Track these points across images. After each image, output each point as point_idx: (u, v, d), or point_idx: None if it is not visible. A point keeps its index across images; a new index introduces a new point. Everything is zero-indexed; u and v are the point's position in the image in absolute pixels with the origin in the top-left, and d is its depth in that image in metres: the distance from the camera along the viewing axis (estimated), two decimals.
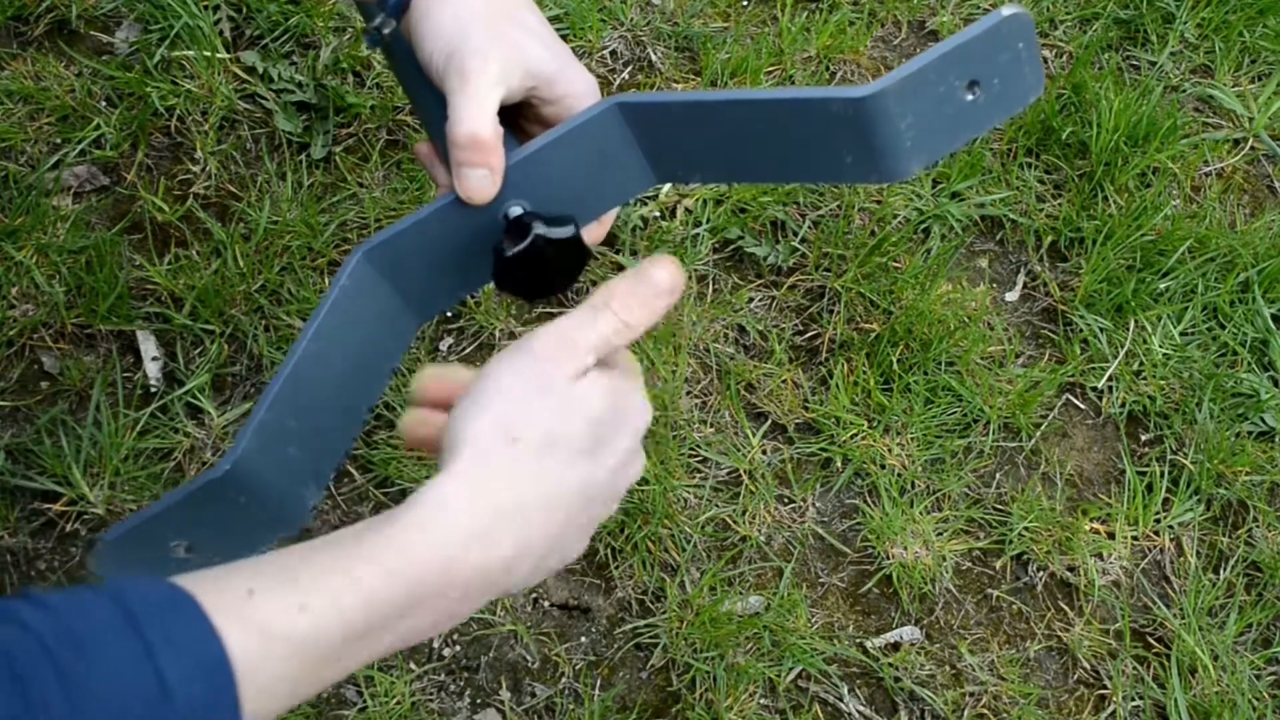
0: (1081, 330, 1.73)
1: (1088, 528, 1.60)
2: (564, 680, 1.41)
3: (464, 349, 1.56)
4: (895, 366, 1.62)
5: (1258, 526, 1.64)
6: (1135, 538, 1.61)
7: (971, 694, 1.48)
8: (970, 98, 0.65)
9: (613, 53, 1.81)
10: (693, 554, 1.49)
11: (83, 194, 1.57)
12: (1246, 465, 1.65)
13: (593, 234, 0.79)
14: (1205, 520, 1.64)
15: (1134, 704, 1.51)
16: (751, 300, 1.66)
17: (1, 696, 0.50)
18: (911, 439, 1.59)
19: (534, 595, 1.45)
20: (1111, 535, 1.60)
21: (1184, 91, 1.98)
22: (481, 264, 0.74)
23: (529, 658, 1.42)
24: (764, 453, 1.57)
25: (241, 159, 1.62)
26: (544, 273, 0.72)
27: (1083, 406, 1.70)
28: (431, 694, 1.38)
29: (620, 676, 1.43)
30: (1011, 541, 1.57)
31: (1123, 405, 1.69)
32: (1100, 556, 1.59)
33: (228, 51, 1.68)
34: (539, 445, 0.65)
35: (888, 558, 1.53)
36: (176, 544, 0.71)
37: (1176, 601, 1.58)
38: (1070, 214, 1.79)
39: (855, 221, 1.73)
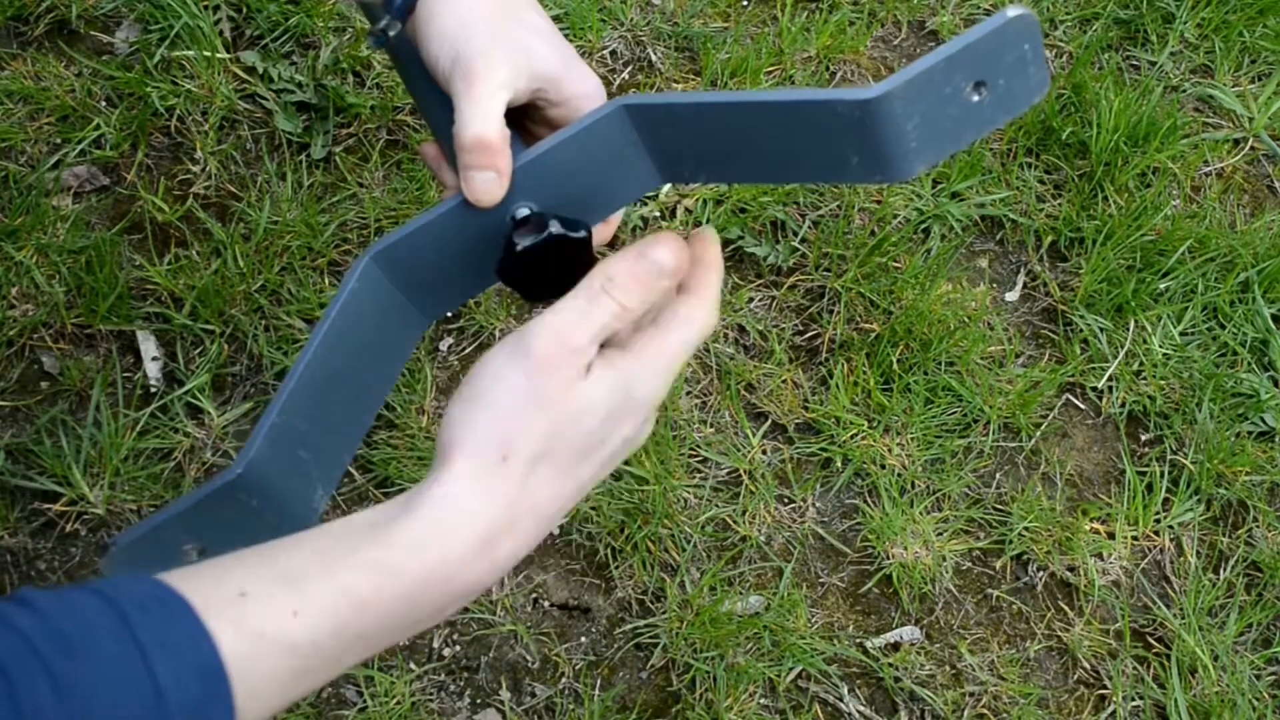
0: (1081, 330, 1.73)
1: (1088, 528, 1.60)
2: (564, 680, 1.41)
3: (464, 349, 1.56)
4: (895, 366, 1.62)
5: (1258, 526, 1.64)
6: (1135, 538, 1.61)
7: (971, 694, 1.48)
8: (976, 98, 0.65)
9: (613, 53, 1.81)
10: (693, 554, 1.49)
11: (83, 194, 1.57)
12: (1246, 465, 1.65)
13: (600, 235, 0.78)
14: (1205, 520, 1.64)
15: (1134, 704, 1.51)
16: (751, 300, 1.66)
17: None
18: (911, 439, 1.59)
19: (534, 595, 1.45)
20: (1111, 535, 1.60)
21: (1184, 91, 1.98)
22: (488, 266, 0.74)
23: (529, 658, 1.42)
24: (764, 453, 1.57)
25: (241, 159, 1.62)
26: (550, 272, 0.72)
27: (1083, 406, 1.70)
28: (431, 694, 1.38)
29: (620, 676, 1.43)
30: (1011, 541, 1.57)
31: (1123, 405, 1.69)
32: (1100, 556, 1.59)
33: (228, 51, 1.68)
34: (531, 461, 0.64)
35: (888, 558, 1.53)
36: (189, 547, 0.71)
37: (1176, 601, 1.58)
38: (1070, 214, 1.80)
39: (855, 221, 1.73)
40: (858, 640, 1.49)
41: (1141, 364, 1.72)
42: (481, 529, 0.63)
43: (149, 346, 1.49)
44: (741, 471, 1.55)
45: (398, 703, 1.36)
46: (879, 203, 1.74)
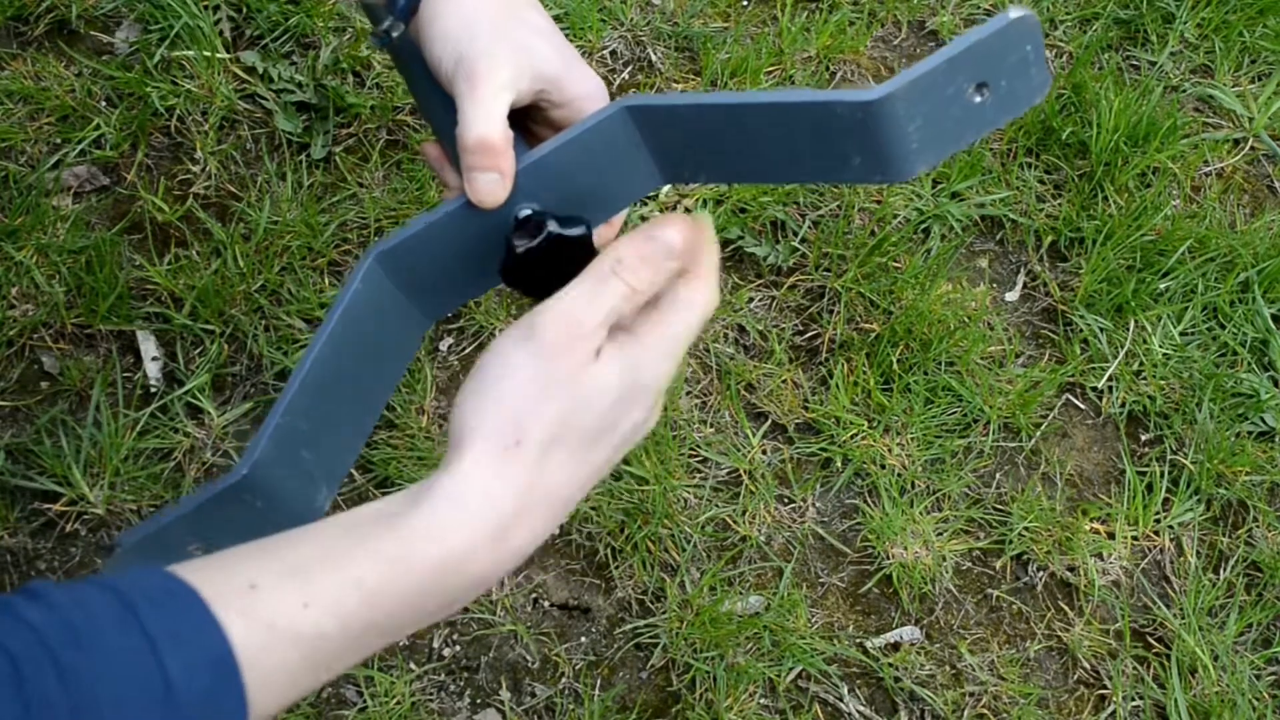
0: (1081, 330, 1.73)
1: (1088, 528, 1.60)
2: (564, 680, 1.41)
3: (464, 349, 1.56)
4: (895, 366, 1.62)
5: (1258, 526, 1.64)
6: (1135, 538, 1.61)
7: (971, 694, 1.49)
8: (978, 99, 0.65)
9: (613, 53, 1.81)
10: (693, 554, 1.49)
11: (83, 194, 1.57)
12: (1246, 465, 1.65)
13: (603, 236, 0.78)
14: (1205, 520, 1.64)
15: (1134, 704, 1.51)
16: (751, 300, 1.66)
17: (3, 694, 0.50)
18: (911, 439, 1.59)
19: (534, 595, 1.45)
20: (1111, 535, 1.60)
21: (1184, 91, 1.98)
22: (491, 266, 0.74)
23: (529, 658, 1.42)
24: (764, 453, 1.57)
25: (241, 159, 1.62)
26: (552, 271, 0.72)
27: (1083, 406, 1.70)
28: (431, 694, 1.38)
29: (620, 676, 1.43)
30: (1011, 541, 1.57)
31: (1123, 405, 1.69)
32: (1100, 556, 1.59)
33: (228, 51, 1.68)
34: (544, 446, 0.64)
35: (888, 558, 1.53)
36: (193, 547, 0.71)
37: (1176, 601, 1.58)
38: (1070, 214, 1.80)
39: (855, 221, 1.73)
40: (858, 640, 1.49)
41: (1141, 364, 1.72)
42: (494, 516, 0.62)
43: (149, 346, 1.48)
44: (741, 471, 1.55)
45: (398, 703, 1.36)
46: (879, 203, 1.75)
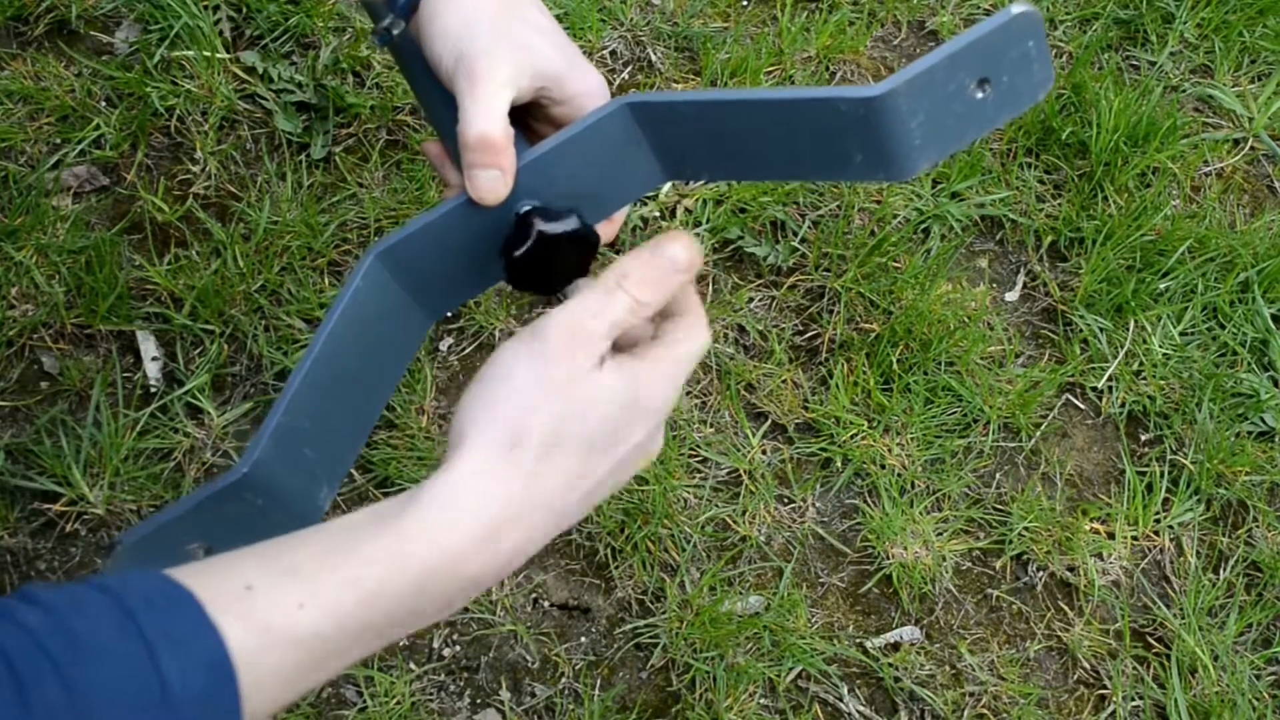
0: (1081, 330, 1.73)
1: (1088, 528, 1.60)
2: (564, 680, 1.41)
3: (464, 349, 1.56)
4: (895, 366, 1.62)
5: (1258, 526, 1.64)
6: (1135, 538, 1.61)
7: (971, 694, 1.48)
8: (980, 95, 0.65)
9: (613, 53, 1.81)
10: (693, 554, 1.49)
11: (83, 194, 1.57)
12: (1246, 465, 1.65)
13: (604, 233, 0.78)
14: (1205, 520, 1.64)
15: (1134, 704, 1.51)
16: (751, 300, 1.66)
17: (3, 698, 0.50)
18: (911, 439, 1.59)
19: (534, 595, 1.45)
20: (1111, 535, 1.60)
21: (1184, 91, 1.98)
22: (493, 263, 0.74)
23: (529, 658, 1.42)
24: (764, 453, 1.57)
25: (241, 159, 1.62)
26: (554, 267, 0.72)
27: (1083, 406, 1.70)
28: (431, 694, 1.38)
29: (620, 676, 1.43)
30: (1011, 541, 1.57)
31: (1123, 405, 1.69)
32: (1100, 556, 1.59)
33: (228, 51, 1.68)
34: (542, 450, 0.64)
35: (888, 558, 1.53)
36: (194, 546, 0.71)
37: (1176, 601, 1.58)
38: (1070, 214, 1.80)
39: (855, 221, 1.73)
40: (858, 640, 1.49)
41: (1141, 364, 1.72)
42: (487, 517, 0.62)
43: (149, 346, 1.48)
44: (741, 471, 1.55)
45: (398, 703, 1.36)
46: (879, 203, 1.75)
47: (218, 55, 1.66)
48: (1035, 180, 1.83)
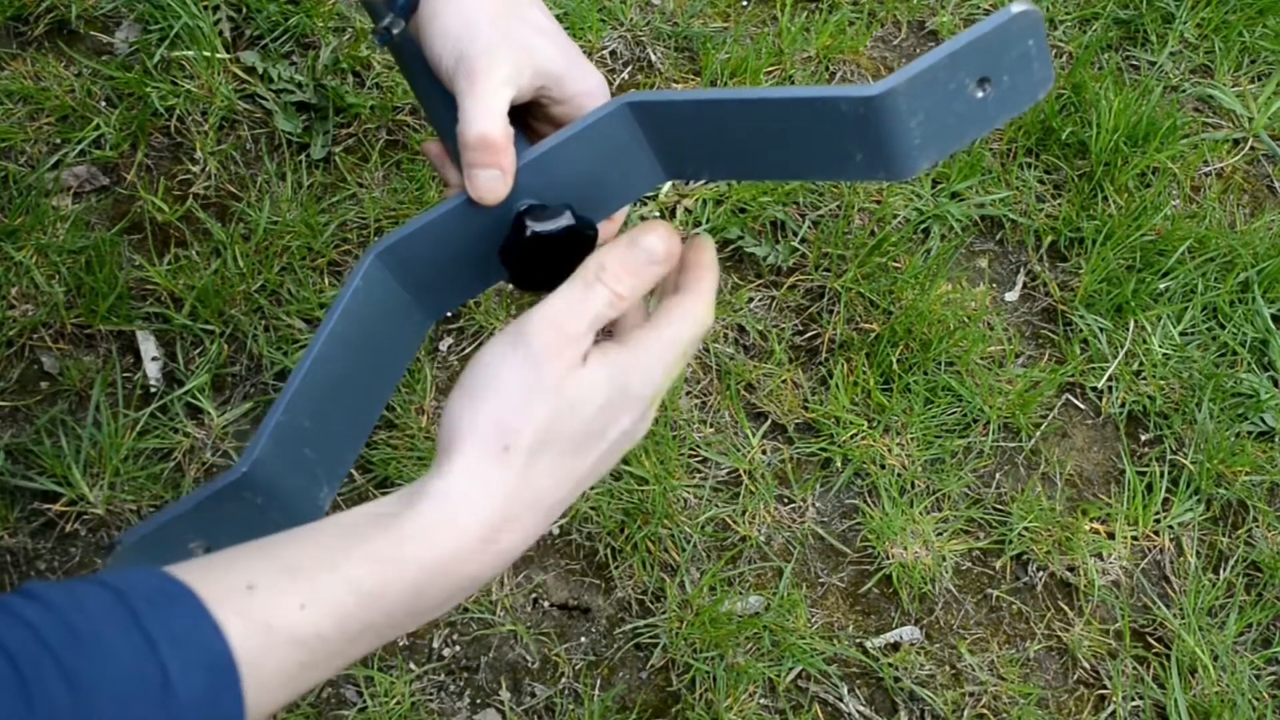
0: (1081, 330, 1.73)
1: (1088, 528, 1.60)
2: (564, 680, 1.41)
3: (464, 349, 1.56)
4: (895, 366, 1.62)
5: (1258, 526, 1.64)
6: (1135, 538, 1.61)
7: (971, 694, 1.48)
8: (980, 95, 0.65)
9: (613, 53, 1.81)
10: (693, 554, 1.49)
11: (83, 194, 1.57)
12: (1246, 465, 1.65)
13: (603, 232, 0.78)
14: (1205, 520, 1.64)
15: (1134, 704, 1.51)
16: (751, 300, 1.66)
17: (6, 696, 0.50)
18: (911, 439, 1.59)
19: (534, 595, 1.45)
20: (1111, 535, 1.60)
21: (1184, 91, 1.98)
22: (493, 263, 0.74)
23: (529, 658, 1.42)
24: (764, 453, 1.57)
25: (241, 159, 1.62)
26: (551, 265, 0.72)
27: (1083, 406, 1.70)
28: (431, 694, 1.38)
29: (620, 676, 1.43)
30: (1011, 541, 1.57)
31: (1123, 405, 1.69)
32: (1100, 556, 1.59)
33: (228, 51, 1.68)
34: (532, 450, 0.64)
35: (888, 558, 1.53)
36: (195, 545, 0.71)
37: (1176, 601, 1.58)
38: (1070, 214, 1.80)
39: (855, 221, 1.73)
40: (858, 640, 1.49)
41: (1141, 364, 1.72)
42: (484, 519, 0.63)
43: (149, 346, 1.48)
44: (741, 471, 1.55)
45: (397, 703, 1.36)
46: (879, 203, 1.75)
47: (218, 55, 1.66)
48: (1035, 180, 1.83)
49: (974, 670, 1.50)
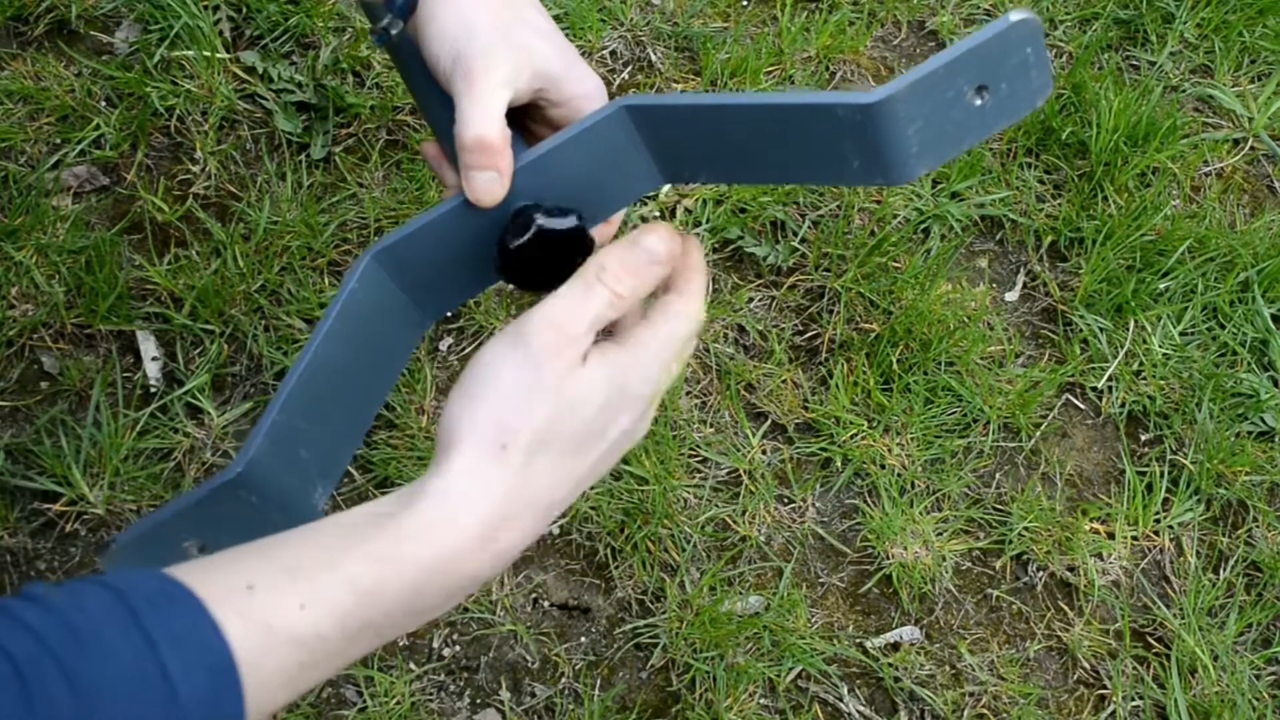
0: (1081, 330, 1.73)
1: (1088, 528, 1.60)
2: (564, 680, 1.41)
3: (464, 349, 1.56)
4: (895, 366, 1.62)
5: (1258, 526, 1.64)
6: (1135, 538, 1.61)
7: (971, 694, 1.48)
8: (978, 102, 0.65)
9: (612, 53, 1.81)
10: (693, 554, 1.49)
11: (83, 194, 1.57)
12: (1246, 465, 1.65)
13: (601, 234, 0.78)
14: (1205, 520, 1.64)
15: (1134, 704, 1.51)
16: (751, 300, 1.66)
17: (6, 698, 0.50)
18: (911, 439, 1.59)
19: (534, 595, 1.45)
20: (1111, 535, 1.60)
21: (1184, 91, 1.98)
22: (489, 265, 0.74)
23: (529, 658, 1.42)
24: (764, 453, 1.57)
25: (241, 159, 1.62)
26: (548, 264, 0.72)
27: (1083, 406, 1.70)
28: (431, 694, 1.38)
29: (620, 676, 1.43)
30: (1011, 541, 1.57)
31: (1123, 405, 1.69)
32: (1100, 556, 1.59)
33: (228, 51, 1.68)
34: (531, 449, 0.65)
35: (888, 558, 1.53)
36: (189, 544, 0.71)
37: (1176, 601, 1.58)
38: (1070, 214, 1.80)
39: (855, 221, 1.73)
40: (858, 640, 1.49)
41: (1141, 364, 1.72)
42: (483, 518, 0.63)
43: (149, 346, 1.48)
44: (741, 471, 1.55)
45: (397, 703, 1.36)
46: (879, 203, 1.75)
47: (218, 55, 1.66)
48: (1035, 180, 1.83)
49: (974, 670, 1.50)
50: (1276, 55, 2.04)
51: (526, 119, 0.80)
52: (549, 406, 0.65)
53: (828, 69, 1.87)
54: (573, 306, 0.67)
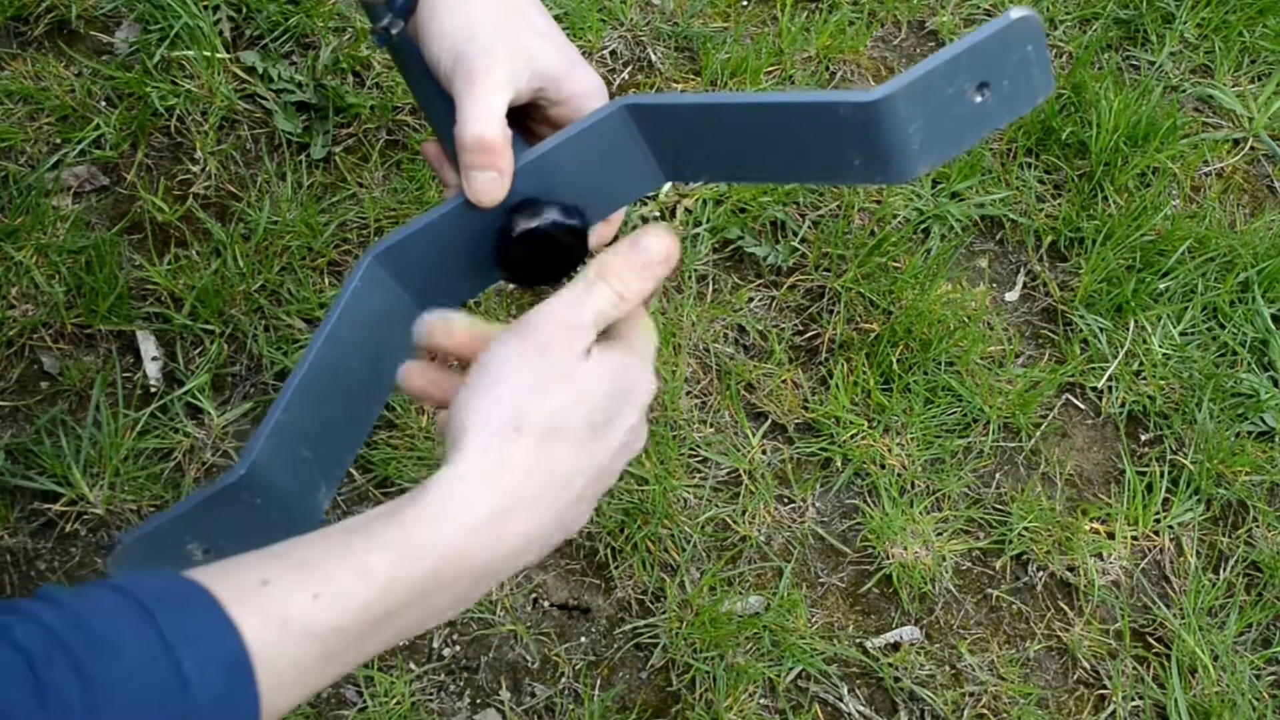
0: (1081, 330, 1.73)
1: (1088, 528, 1.60)
2: (564, 680, 1.41)
3: None
4: (895, 366, 1.62)
5: (1258, 526, 1.64)
6: (1135, 538, 1.61)
7: (971, 694, 1.49)
8: (979, 100, 0.65)
9: (613, 53, 1.81)
10: (693, 554, 1.49)
11: (83, 194, 1.57)
12: (1246, 465, 1.65)
13: (601, 234, 0.79)
14: (1205, 520, 1.64)
15: (1134, 704, 1.51)
16: (751, 300, 1.66)
17: (20, 695, 0.50)
18: (911, 439, 1.59)
19: (534, 595, 1.45)
20: (1111, 535, 1.60)
21: (1184, 91, 1.98)
22: (489, 264, 0.74)
23: (529, 658, 1.42)
24: (764, 453, 1.57)
25: (241, 159, 1.62)
26: (547, 258, 0.73)
27: (1083, 406, 1.70)
28: (431, 694, 1.38)
29: (620, 676, 1.43)
30: (1011, 541, 1.57)
31: (1123, 405, 1.69)
32: (1100, 556, 1.59)
33: (228, 51, 1.68)
34: (544, 434, 0.65)
35: (888, 558, 1.53)
36: (193, 546, 0.71)
37: (1176, 601, 1.58)
38: (1070, 214, 1.80)
39: (855, 221, 1.73)
40: (858, 640, 1.49)
41: (1141, 364, 1.72)
42: (494, 498, 0.64)
43: (149, 346, 1.48)
44: (741, 471, 1.55)
45: (398, 703, 1.36)
46: (879, 203, 1.75)
47: (218, 55, 1.66)
48: (1035, 180, 1.83)
49: (974, 670, 1.50)
50: (1276, 55, 2.04)
51: (527, 119, 0.80)
52: (560, 393, 0.66)
53: (828, 69, 1.87)
54: (577, 300, 0.68)
